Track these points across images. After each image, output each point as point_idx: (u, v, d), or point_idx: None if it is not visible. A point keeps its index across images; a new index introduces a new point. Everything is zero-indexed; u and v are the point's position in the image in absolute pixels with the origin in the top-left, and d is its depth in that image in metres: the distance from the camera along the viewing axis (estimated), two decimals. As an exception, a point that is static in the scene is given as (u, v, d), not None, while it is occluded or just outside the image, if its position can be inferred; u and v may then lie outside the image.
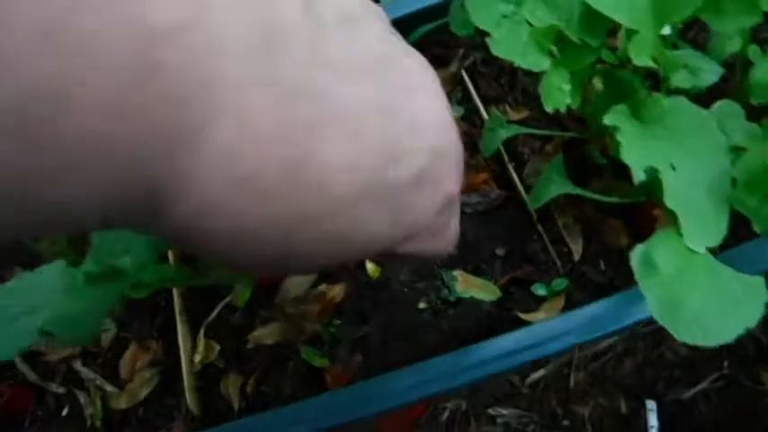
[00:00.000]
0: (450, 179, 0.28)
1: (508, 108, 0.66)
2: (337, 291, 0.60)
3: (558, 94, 0.46)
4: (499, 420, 0.69)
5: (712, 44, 0.56)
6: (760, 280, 0.38)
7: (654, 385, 0.69)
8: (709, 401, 0.68)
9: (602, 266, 0.58)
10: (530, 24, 0.45)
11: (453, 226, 0.31)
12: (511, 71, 0.68)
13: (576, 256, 0.58)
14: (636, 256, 0.40)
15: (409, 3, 0.67)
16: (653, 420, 0.68)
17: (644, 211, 0.59)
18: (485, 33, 0.68)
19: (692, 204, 0.41)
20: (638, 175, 0.42)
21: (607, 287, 0.57)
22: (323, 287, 0.61)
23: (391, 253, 0.25)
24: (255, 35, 0.18)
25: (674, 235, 0.40)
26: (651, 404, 0.69)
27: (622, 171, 0.60)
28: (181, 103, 0.17)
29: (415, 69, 0.27)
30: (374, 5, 0.28)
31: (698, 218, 0.40)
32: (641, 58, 0.44)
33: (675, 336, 0.36)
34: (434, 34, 0.68)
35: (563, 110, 0.46)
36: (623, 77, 0.51)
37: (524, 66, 0.43)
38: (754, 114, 0.51)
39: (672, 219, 0.42)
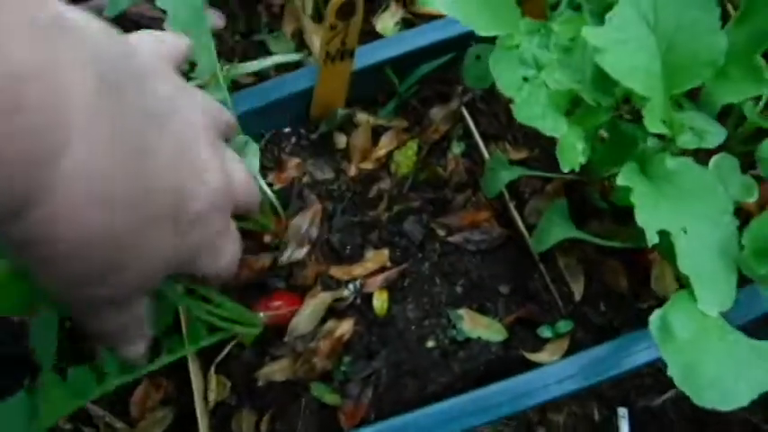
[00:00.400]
0: (225, 214, 0.38)
1: (508, 146, 0.68)
2: (345, 328, 0.61)
3: (573, 153, 0.48)
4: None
5: (705, 96, 0.59)
6: (769, 345, 0.41)
7: (626, 393, 0.71)
8: (678, 408, 0.72)
9: (603, 307, 0.61)
10: (548, 87, 0.47)
11: (231, 250, 0.40)
12: (509, 109, 0.69)
13: (578, 297, 0.61)
14: (654, 321, 0.42)
15: (410, 41, 0.68)
16: (624, 427, 0.71)
17: (641, 254, 0.61)
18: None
19: (704, 268, 0.44)
20: (652, 238, 0.45)
21: (607, 328, 0.60)
22: (331, 324, 0.61)
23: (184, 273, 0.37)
24: (97, 80, 0.25)
25: (688, 299, 0.43)
26: (623, 411, 0.72)
27: (621, 214, 0.63)
28: (42, 132, 0.22)
29: (198, 122, 0.35)
30: (167, 68, 0.37)
31: (709, 282, 0.43)
32: (654, 124, 0.46)
33: (695, 400, 0.39)
34: (436, 70, 0.69)
35: (577, 169, 0.48)
36: (627, 130, 0.53)
37: (545, 132, 0.45)
38: (747, 164, 0.55)
39: (685, 282, 0.44)
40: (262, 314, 0.60)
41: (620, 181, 0.47)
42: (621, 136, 0.54)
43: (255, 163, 0.53)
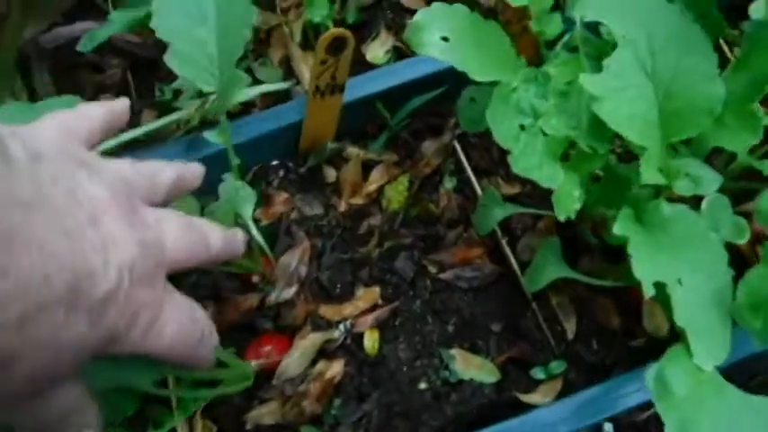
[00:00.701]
0: (151, 285, 0.36)
1: (500, 181, 0.67)
2: (336, 369, 0.60)
3: (570, 200, 0.47)
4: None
5: (698, 140, 0.59)
6: (765, 402, 0.40)
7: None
8: (661, 423, 0.71)
9: (595, 345, 0.60)
10: (544, 134, 0.47)
11: (174, 320, 0.39)
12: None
13: (570, 335, 0.60)
14: (651, 376, 0.42)
15: (401, 73, 0.67)
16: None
17: (632, 292, 0.61)
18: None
19: (699, 322, 0.43)
20: (649, 291, 0.44)
21: (600, 367, 0.59)
22: (321, 366, 0.60)
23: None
24: None
25: (683, 354, 0.43)
26: (608, 426, 0.71)
27: (612, 252, 0.63)
28: None
29: (101, 197, 0.34)
30: (69, 146, 0.37)
31: (705, 336, 0.43)
32: (650, 174, 0.46)
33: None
34: (429, 103, 0.68)
35: (573, 217, 0.47)
36: (622, 173, 0.53)
37: (543, 183, 0.44)
38: (737, 199, 0.54)
39: (680, 333, 0.44)
40: (253, 363, 0.58)
41: (617, 230, 0.46)
42: (616, 178, 0.53)
43: (249, 209, 0.52)
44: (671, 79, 0.44)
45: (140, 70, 0.78)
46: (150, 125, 0.66)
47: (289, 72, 0.76)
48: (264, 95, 0.73)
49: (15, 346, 0.28)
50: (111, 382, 0.42)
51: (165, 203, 0.44)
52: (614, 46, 0.44)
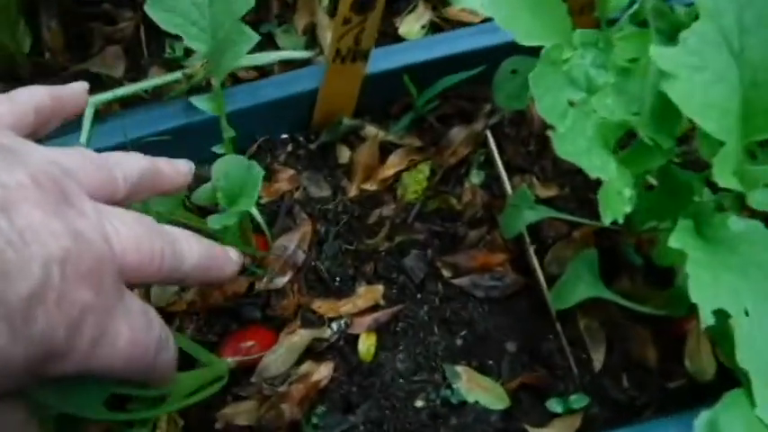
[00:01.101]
0: (93, 285, 0.29)
1: (535, 181, 0.59)
2: (323, 372, 0.52)
3: (619, 201, 0.39)
4: None
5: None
6: None
7: None
8: None
9: (625, 382, 0.52)
10: (597, 115, 0.38)
11: (125, 329, 0.32)
12: (542, 137, 0.61)
13: (597, 366, 0.52)
14: (701, 425, 0.34)
15: (435, 47, 0.60)
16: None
17: (675, 323, 0.52)
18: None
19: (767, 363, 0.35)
20: (707, 319, 0.36)
21: (627, 407, 0.51)
22: (307, 366, 0.53)
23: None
24: None
25: (743, 401, 0.34)
26: None
27: (657, 275, 0.54)
28: None
29: (17, 183, 0.29)
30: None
31: (773, 383, 0.34)
32: (725, 177, 0.37)
33: None
34: (462, 84, 0.61)
35: (621, 221, 0.39)
36: (682, 178, 0.45)
37: (591, 172, 0.36)
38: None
39: (740, 375, 0.36)
40: (230, 360, 0.51)
41: (673, 243, 0.38)
42: (674, 185, 0.45)
43: (253, 195, 0.44)
44: (761, 64, 0.36)
45: (154, 26, 0.72)
46: (143, 83, 0.59)
47: (313, 42, 0.69)
48: (283, 64, 0.66)
49: None
50: (54, 408, 0.35)
51: (129, 201, 0.36)
52: (696, 17, 0.36)
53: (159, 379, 0.36)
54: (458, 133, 0.60)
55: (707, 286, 0.36)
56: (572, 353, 0.53)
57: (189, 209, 0.52)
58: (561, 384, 0.52)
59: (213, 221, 0.45)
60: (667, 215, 0.46)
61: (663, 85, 0.36)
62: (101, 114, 0.61)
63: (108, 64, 0.68)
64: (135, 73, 0.69)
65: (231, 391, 0.53)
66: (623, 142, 0.42)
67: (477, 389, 0.51)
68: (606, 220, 0.39)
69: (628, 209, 0.40)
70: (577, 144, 0.36)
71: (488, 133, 0.60)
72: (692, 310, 0.49)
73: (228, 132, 0.49)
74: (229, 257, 0.39)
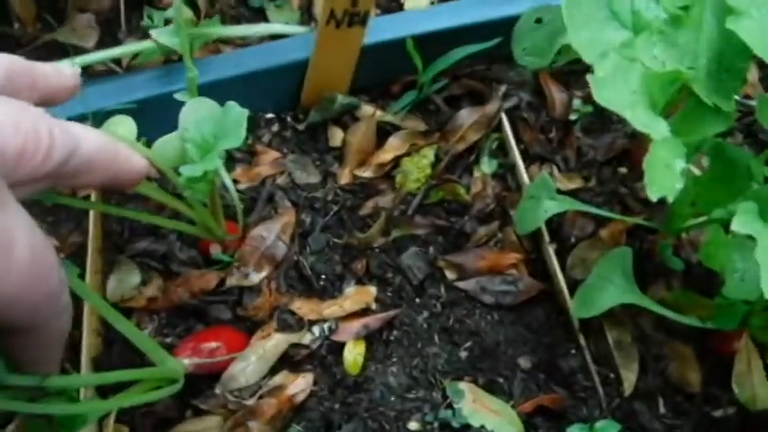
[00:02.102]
0: None
1: (556, 171, 0.51)
2: (301, 384, 0.44)
3: (669, 174, 0.31)
4: None
5: None
6: None
7: None
8: None
9: (662, 408, 0.43)
10: (638, 67, 0.31)
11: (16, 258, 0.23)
12: (564, 123, 0.53)
13: (628, 389, 0.43)
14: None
15: (445, 16, 0.53)
16: None
17: (723, 339, 0.44)
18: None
19: None
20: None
21: (666, 438, 0.42)
22: (282, 377, 0.44)
23: None
24: None
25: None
26: None
27: (700, 282, 0.46)
28: None
29: None
30: None
31: None
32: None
33: None
34: (473, 61, 0.54)
35: (671, 198, 0.31)
36: (740, 159, 0.37)
37: (635, 123, 0.28)
38: None
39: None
40: (187, 361, 0.43)
41: (737, 227, 0.30)
42: (729, 167, 0.37)
43: (237, 135, 0.36)
44: None
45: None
46: (112, 50, 0.52)
47: (308, 18, 0.62)
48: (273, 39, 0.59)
49: None
50: None
51: None
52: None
53: (49, 338, 0.28)
54: (468, 116, 0.52)
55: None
56: (598, 372, 0.44)
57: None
58: (584, 409, 0.43)
59: (185, 170, 0.37)
60: (720, 203, 0.38)
61: (730, 24, 0.28)
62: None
63: (79, 34, 0.61)
64: (110, 45, 0.63)
65: (191, 404, 0.44)
66: (670, 110, 0.34)
67: (484, 410, 0.43)
68: (653, 196, 0.31)
69: (679, 185, 0.32)
70: (619, 93, 0.29)
71: (503, 117, 0.52)
72: (745, 323, 0.41)
73: (192, 72, 0.41)
74: (136, 153, 0.31)
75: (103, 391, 0.45)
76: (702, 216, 0.42)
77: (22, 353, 0.28)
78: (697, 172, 0.44)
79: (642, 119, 0.28)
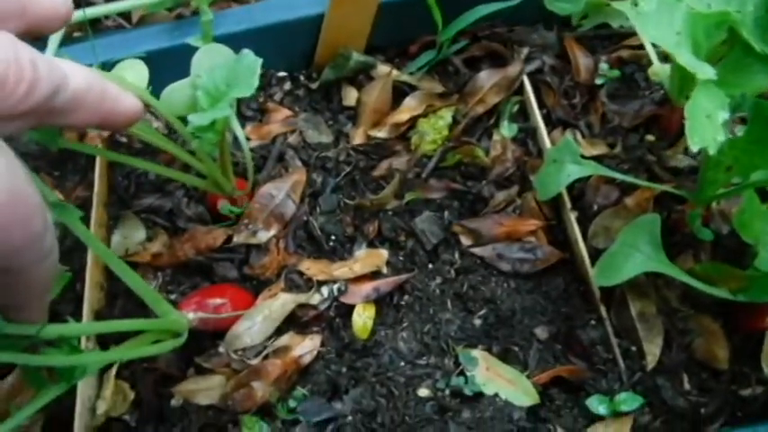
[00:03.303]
0: None
1: (579, 137, 0.49)
2: (308, 346, 0.43)
3: (709, 125, 0.29)
4: None
5: None
6: None
7: None
8: None
9: (686, 384, 0.41)
10: (683, 6, 0.29)
11: None
12: (589, 89, 0.51)
13: (651, 362, 0.41)
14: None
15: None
16: None
17: (753, 316, 0.42)
18: (563, 22, 0.51)
19: None
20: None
21: (689, 416, 0.40)
22: (288, 338, 0.43)
23: None
24: None
25: None
26: None
27: (730, 254, 0.44)
28: None
29: None
30: None
31: None
32: None
33: None
34: (492, 21, 0.51)
35: (712, 151, 0.29)
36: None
37: (680, 59, 0.26)
38: None
39: None
40: (192, 315, 0.41)
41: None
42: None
43: (250, 83, 0.34)
44: None
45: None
46: (123, 2, 0.50)
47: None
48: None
49: None
50: None
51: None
52: None
53: (32, 284, 0.26)
54: (488, 77, 0.50)
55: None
56: (619, 344, 0.42)
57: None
58: (604, 382, 0.41)
59: (193, 119, 0.35)
60: (759, 167, 0.35)
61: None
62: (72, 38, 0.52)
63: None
64: None
65: (194, 363, 0.43)
66: (714, 60, 0.32)
67: (498, 379, 0.41)
68: (693, 147, 0.28)
69: (720, 137, 0.30)
70: (662, 28, 0.26)
71: (525, 79, 0.50)
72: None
73: (206, 15, 0.39)
74: (128, 93, 0.29)
75: (106, 346, 0.44)
76: (736, 185, 0.40)
77: (4, 298, 0.27)
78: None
79: (685, 57, 0.26)
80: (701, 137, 0.28)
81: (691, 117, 0.28)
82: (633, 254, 0.40)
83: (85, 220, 0.46)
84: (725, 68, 0.31)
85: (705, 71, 0.27)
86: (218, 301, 0.43)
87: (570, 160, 0.44)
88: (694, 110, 0.29)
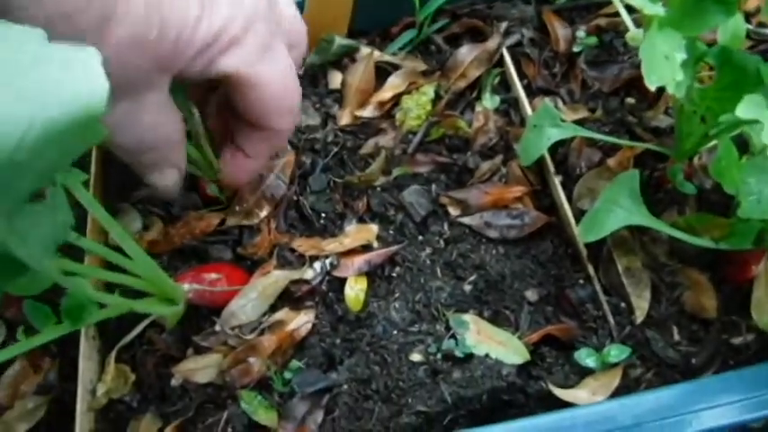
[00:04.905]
0: None
1: (560, 103, 0.50)
2: (302, 320, 0.44)
3: (667, 65, 0.29)
4: None
5: None
6: None
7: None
8: None
9: (676, 335, 0.41)
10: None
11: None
12: (568, 57, 0.51)
13: (640, 317, 0.42)
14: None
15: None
16: None
17: (740, 264, 0.42)
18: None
19: None
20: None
21: (680, 367, 0.40)
22: (282, 314, 0.44)
23: None
24: None
25: None
26: None
27: (713, 207, 0.44)
28: None
29: None
30: None
31: None
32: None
33: None
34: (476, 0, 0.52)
35: (671, 90, 0.29)
36: (749, 65, 0.35)
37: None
38: None
39: None
40: (187, 286, 0.42)
41: (741, 111, 0.28)
42: (739, 73, 0.35)
43: None
44: None
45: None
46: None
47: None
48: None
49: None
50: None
51: None
52: None
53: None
54: (468, 52, 0.51)
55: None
56: (608, 301, 0.43)
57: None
58: (594, 338, 0.42)
59: None
60: (729, 111, 0.36)
61: None
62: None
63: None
64: None
65: (193, 342, 0.44)
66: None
67: (489, 341, 0.41)
68: (650, 84, 0.29)
69: (679, 76, 0.30)
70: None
71: (505, 52, 0.51)
72: (760, 241, 0.39)
73: None
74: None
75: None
76: (713, 140, 0.41)
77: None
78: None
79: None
80: (659, 76, 0.29)
81: (647, 57, 0.29)
82: (614, 209, 0.41)
83: (83, 216, 0.47)
84: (680, 11, 0.31)
85: (654, 8, 0.27)
86: (213, 275, 0.44)
87: (550, 124, 0.44)
88: (650, 50, 0.29)
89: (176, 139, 0.37)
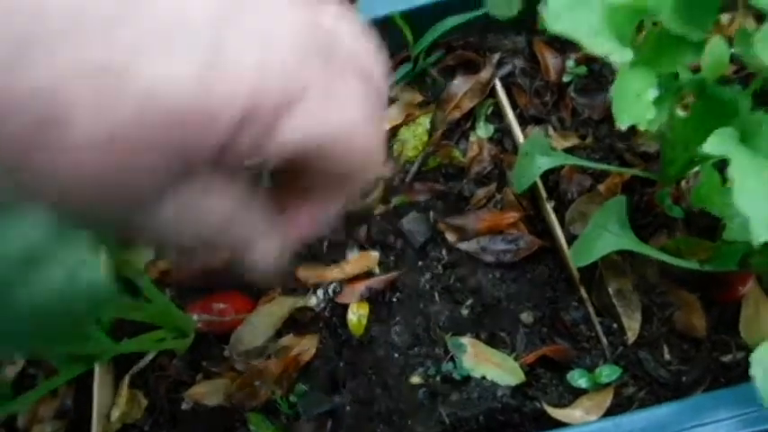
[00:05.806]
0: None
1: (551, 131, 0.52)
2: (306, 345, 0.46)
3: (638, 103, 0.31)
4: None
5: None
6: None
7: None
8: None
9: (666, 355, 0.43)
10: None
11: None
12: (558, 86, 0.53)
13: (631, 337, 0.43)
14: (757, 360, 0.25)
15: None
16: None
17: (728, 284, 0.43)
18: (531, 28, 0.54)
19: None
20: (758, 234, 0.28)
21: (671, 385, 0.42)
22: (287, 339, 0.46)
23: None
24: None
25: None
26: None
27: (702, 228, 0.45)
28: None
29: None
30: None
31: None
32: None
33: None
34: (465, 31, 0.55)
35: (643, 127, 0.31)
36: (724, 95, 0.37)
37: (594, 49, 0.29)
38: None
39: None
40: (196, 317, 0.45)
41: (711, 147, 0.30)
42: (716, 103, 0.37)
43: None
44: None
45: None
46: None
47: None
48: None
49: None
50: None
51: None
52: None
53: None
54: (462, 83, 0.53)
55: (755, 192, 0.28)
56: (600, 322, 0.44)
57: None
58: (588, 358, 0.43)
59: None
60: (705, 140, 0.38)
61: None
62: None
63: None
64: None
65: (202, 368, 0.46)
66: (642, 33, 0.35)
67: (486, 363, 0.43)
68: (621, 124, 0.31)
69: (651, 114, 0.32)
70: (578, 19, 0.29)
71: (497, 83, 0.53)
72: (746, 263, 0.41)
73: None
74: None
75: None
76: (698, 165, 0.42)
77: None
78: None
79: (603, 44, 0.29)
80: (629, 114, 0.31)
81: (618, 98, 0.31)
82: (603, 234, 0.42)
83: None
84: (651, 48, 0.33)
85: (621, 55, 0.29)
86: (221, 305, 0.46)
87: (540, 152, 0.46)
88: (622, 91, 0.31)
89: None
